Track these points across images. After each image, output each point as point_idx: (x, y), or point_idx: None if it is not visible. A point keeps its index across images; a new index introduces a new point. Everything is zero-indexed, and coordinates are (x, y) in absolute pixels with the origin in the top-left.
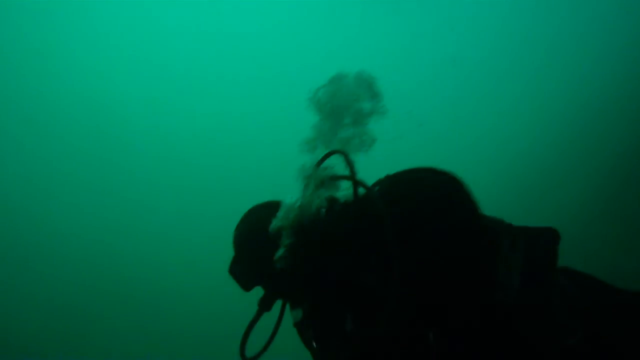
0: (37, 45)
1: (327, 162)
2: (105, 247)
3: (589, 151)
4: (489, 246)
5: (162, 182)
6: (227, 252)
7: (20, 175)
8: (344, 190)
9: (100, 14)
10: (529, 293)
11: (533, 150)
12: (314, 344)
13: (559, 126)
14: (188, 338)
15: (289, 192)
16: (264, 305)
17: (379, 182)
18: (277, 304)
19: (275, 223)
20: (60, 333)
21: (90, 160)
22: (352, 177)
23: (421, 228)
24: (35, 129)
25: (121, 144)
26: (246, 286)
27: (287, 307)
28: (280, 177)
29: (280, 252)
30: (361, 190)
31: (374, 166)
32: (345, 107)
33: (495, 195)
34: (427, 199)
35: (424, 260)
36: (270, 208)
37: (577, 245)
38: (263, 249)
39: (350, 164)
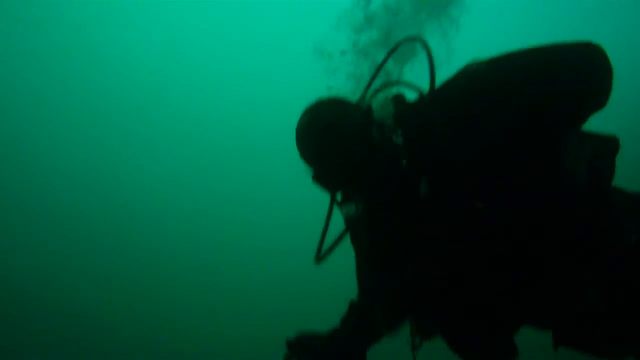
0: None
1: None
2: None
3: None
4: (561, 131)
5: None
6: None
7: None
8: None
9: None
10: (594, 186)
11: None
12: (374, 234)
13: None
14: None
15: None
16: (377, 193)
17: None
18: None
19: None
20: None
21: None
22: (430, 65)
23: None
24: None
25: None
26: (335, 189)
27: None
28: None
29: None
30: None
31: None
32: None
33: None
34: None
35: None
36: (336, 104)
37: None
38: (357, 146)
39: (428, 51)
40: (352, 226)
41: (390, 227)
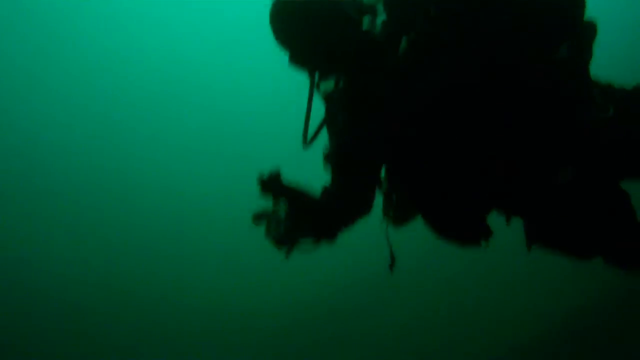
0: None
1: None
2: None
3: None
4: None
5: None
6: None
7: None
8: None
9: None
10: (574, 62)
11: None
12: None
13: None
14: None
15: None
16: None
17: None
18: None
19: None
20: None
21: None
22: None
23: None
24: None
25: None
26: (313, 66)
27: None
28: None
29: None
30: None
31: None
32: None
33: None
34: None
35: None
36: None
37: None
38: (332, 17)
39: None
40: (331, 103)
41: (370, 92)
